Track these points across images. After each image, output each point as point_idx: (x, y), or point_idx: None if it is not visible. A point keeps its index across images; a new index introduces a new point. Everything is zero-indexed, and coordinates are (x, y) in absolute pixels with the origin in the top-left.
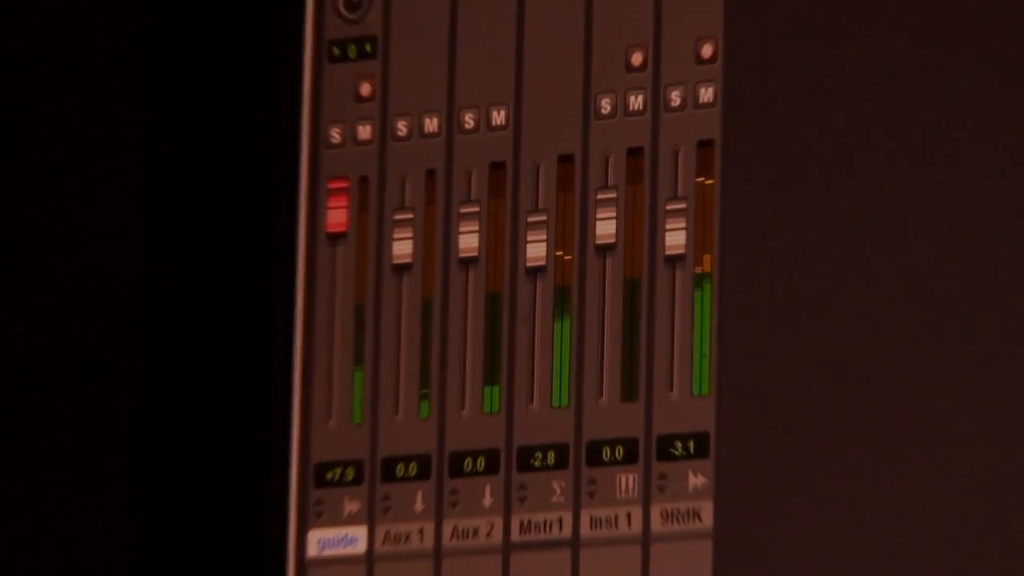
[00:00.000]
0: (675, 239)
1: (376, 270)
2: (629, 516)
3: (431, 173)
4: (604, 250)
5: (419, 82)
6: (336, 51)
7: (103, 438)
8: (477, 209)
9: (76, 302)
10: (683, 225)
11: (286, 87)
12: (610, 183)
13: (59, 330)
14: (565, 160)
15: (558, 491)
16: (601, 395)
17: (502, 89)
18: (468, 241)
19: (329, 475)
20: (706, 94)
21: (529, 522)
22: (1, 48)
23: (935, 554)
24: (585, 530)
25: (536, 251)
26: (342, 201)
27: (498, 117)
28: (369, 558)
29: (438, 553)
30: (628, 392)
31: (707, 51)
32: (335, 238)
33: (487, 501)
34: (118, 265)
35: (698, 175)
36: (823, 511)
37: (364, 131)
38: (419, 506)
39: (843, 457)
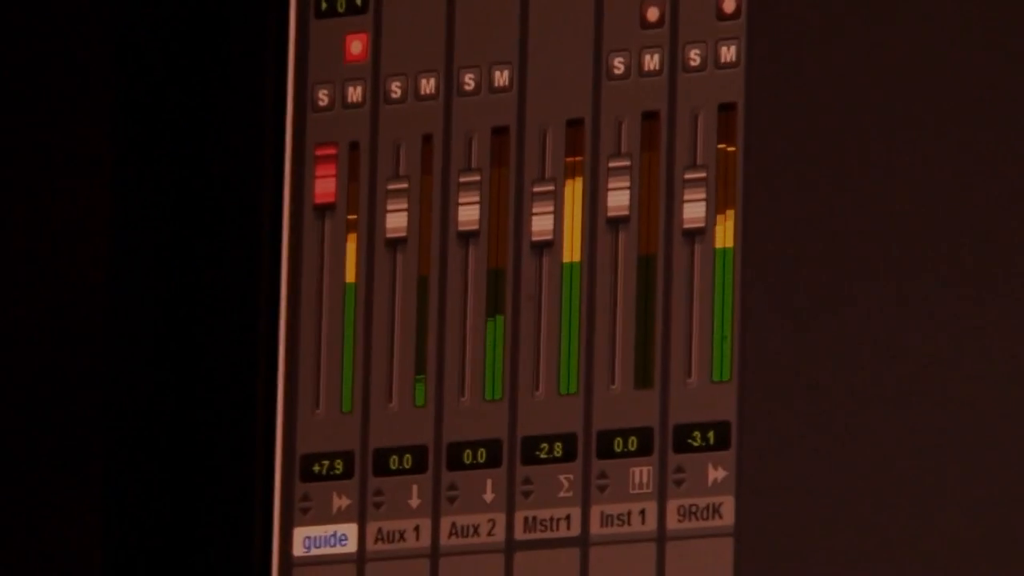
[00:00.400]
0: (694, 211)
1: (368, 245)
2: (643, 512)
3: (428, 139)
4: (616, 223)
5: (415, 39)
6: (324, 5)
7: (76, 427)
8: (478, 178)
9: (51, 281)
10: (703, 196)
11: (269, 45)
12: (623, 150)
13: (31, 310)
14: (574, 125)
15: (566, 485)
16: (613, 381)
17: (505, 47)
18: (468, 213)
19: (316, 468)
20: (728, 53)
21: (534, 519)
22: None
23: (967, 552)
24: (595, 527)
25: (542, 224)
26: (330, 169)
27: (501, 78)
28: (360, 558)
29: (435, 552)
30: (642, 378)
31: (729, 6)
32: (323, 210)
33: (488, 496)
34: (93, 243)
35: (719, 141)
36: (852, 507)
37: (354, 93)
38: (415, 501)
39: (874, 449)
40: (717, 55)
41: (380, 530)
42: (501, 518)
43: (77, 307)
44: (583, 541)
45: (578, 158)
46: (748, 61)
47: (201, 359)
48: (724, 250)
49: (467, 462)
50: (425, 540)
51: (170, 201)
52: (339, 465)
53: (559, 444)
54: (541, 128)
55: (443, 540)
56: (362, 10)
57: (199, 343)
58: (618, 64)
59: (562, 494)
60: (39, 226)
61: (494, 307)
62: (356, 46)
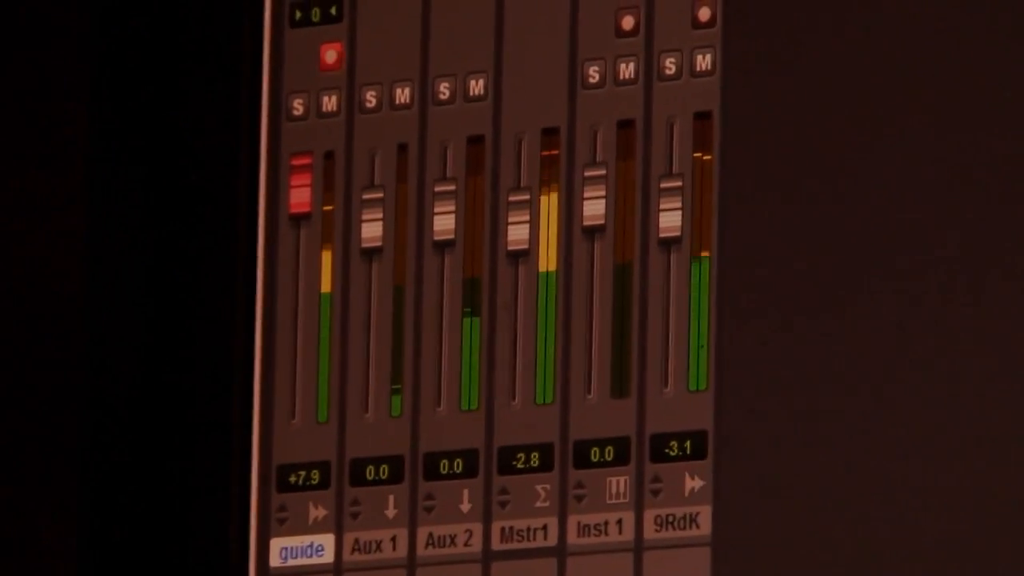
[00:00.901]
0: (670, 220)
1: (343, 255)
2: (620, 522)
3: (403, 148)
4: (592, 232)
5: (390, 48)
6: (299, 14)
7: (48, 437)
8: (454, 187)
9: (26, 292)
10: (678, 205)
11: (244, 54)
12: (599, 159)
13: (7, 325)
14: (549, 134)
15: (543, 495)
16: (589, 391)
17: (481, 56)
18: (444, 222)
19: (293, 478)
20: (703, 61)
21: (511, 529)
22: None
23: (948, 561)
24: (572, 537)
25: (518, 233)
26: (306, 179)
27: (476, 87)
28: (337, 568)
29: (412, 563)
30: (619, 387)
31: (705, 14)
32: (298, 219)
33: (465, 506)
34: (65, 253)
35: (695, 150)
36: (829, 516)
37: (329, 102)
38: (391, 512)
39: (851, 458)
40: (692, 64)
41: (357, 540)
42: (478, 528)
43: (52, 314)
44: (560, 551)
45: (554, 167)
46: (723, 69)
47: (176, 369)
48: (700, 259)
49: (444, 472)
50: (402, 550)
51: (145, 211)
52: (315, 475)
53: (536, 454)
54: (516, 137)
55: (420, 550)
56: (337, 19)
57: (174, 353)
58: (593, 73)
59: (539, 504)
60: (12, 237)
61: (470, 316)
62: (331, 55)
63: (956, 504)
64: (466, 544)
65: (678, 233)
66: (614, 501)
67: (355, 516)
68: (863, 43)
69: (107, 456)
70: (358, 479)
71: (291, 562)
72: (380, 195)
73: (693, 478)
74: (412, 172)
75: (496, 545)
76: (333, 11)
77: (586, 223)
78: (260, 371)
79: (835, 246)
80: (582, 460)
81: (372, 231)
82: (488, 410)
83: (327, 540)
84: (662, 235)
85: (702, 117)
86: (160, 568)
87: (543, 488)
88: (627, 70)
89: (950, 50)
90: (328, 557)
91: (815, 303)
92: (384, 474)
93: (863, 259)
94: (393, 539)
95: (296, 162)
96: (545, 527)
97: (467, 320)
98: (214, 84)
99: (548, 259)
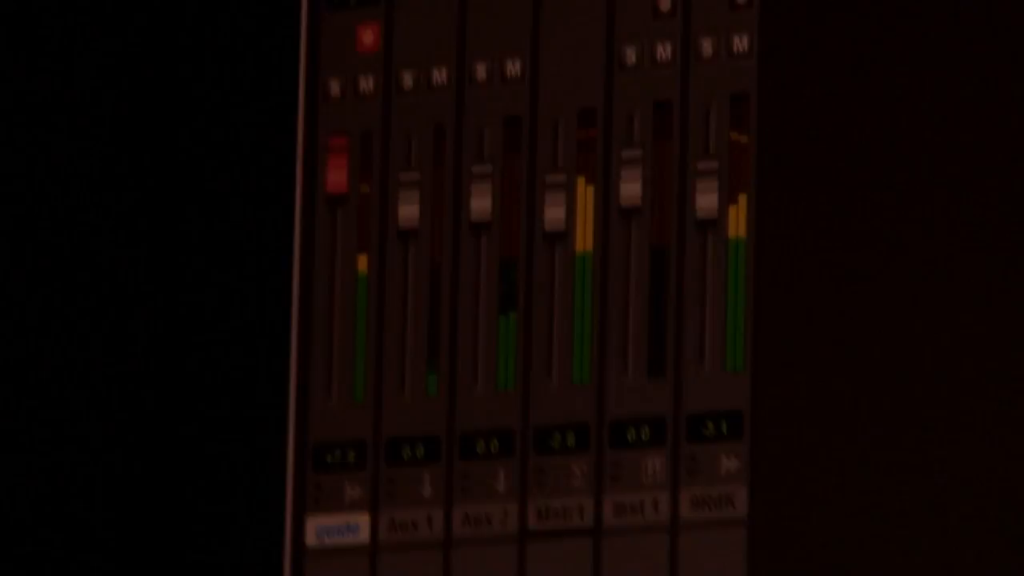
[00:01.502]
0: (706, 201)
1: (380, 235)
2: (656, 502)
3: (440, 130)
4: (629, 214)
5: (426, 30)
6: None
7: (84, 418)
8: (490, 169)
9: (59, 279)
10: (715, 186)
11: (281, 35)
12: (635, 140)
13: (43, 307)
14: (586, 115)
15: (579, 475)
16: (626, 371)
17: (517, 37)
18: (480, 204)
19: (329, 457)
20: (740, 43)
21: (547, 508)
22: None
23: (981, 541)
24: (608, 517)
25: (554, 215)
26: (342, 160)
27: (513, 68)
28: (373, 547)
29: (448, 542)
30: (655, 367)
31: None
32: (335, 200)
33: (501, 486)
34: (101, 236)
35: (731, 131)
36: (865, 496)
37: (366, 84)
38: (427, 491)
39: (887, 438)
40: (729, 45)
41: (393, 519)
42: (514, 508)
43: (85, 295)
44: (596, 531)
45: (590, 149)
46: (760, 51)
47: (213, 349)
48: (737, 240)
49: (480, 452)
50: (438, 529)
51: (182, 192)
52: (351, 454)
53: (572, 434)
54: (553, 119)
55: (456, 530)
56: (373, 1)
57: (211, 333)
58: (630, 54)
59: (575, 484)
60: (56, 224)
61: (506, 298)
62: (368, 36)
63: (997, 487)
64: (502, 524)
65: (714, 215)
66: (650, 481)
67: (391, 495)
68: (901, 25)
69: (142, 435)
70: (394, 458)
71: (327, 541)
72: (417, 176)
73: (729, 458)
74: (449, 153)
75: (532, 525)
76: None
77: (623, 204)
78: (296, 350)
79: (872, 227)
80: (618, 440)
81: (409, 212)
82: (524, 390)
83: (363, 519)
84: (699, 216)
85: (739, 99)
86: (196, 546)
87: (579, 468)
88: (664, 52)
89: (989, 32)
90: (364, 536)
91: (851, 284)
92: (420, 453)
93: (900, 240)
94: (429, 518)
95: (333, 143)
96: (581, 507)
97: (503, 301)
98: (251, 65)
99: (585, 240)
